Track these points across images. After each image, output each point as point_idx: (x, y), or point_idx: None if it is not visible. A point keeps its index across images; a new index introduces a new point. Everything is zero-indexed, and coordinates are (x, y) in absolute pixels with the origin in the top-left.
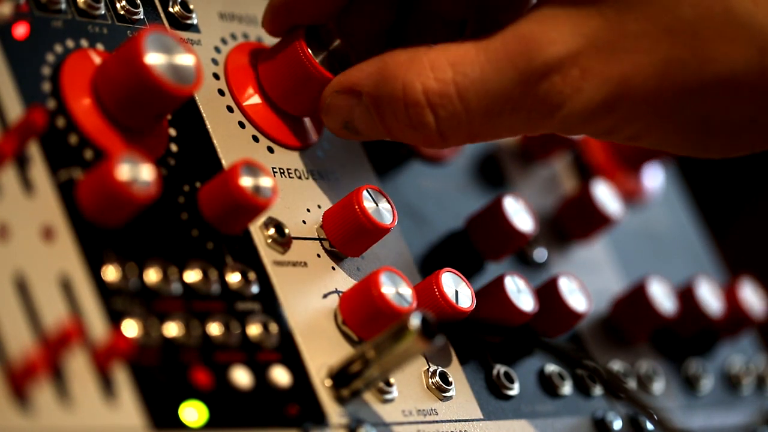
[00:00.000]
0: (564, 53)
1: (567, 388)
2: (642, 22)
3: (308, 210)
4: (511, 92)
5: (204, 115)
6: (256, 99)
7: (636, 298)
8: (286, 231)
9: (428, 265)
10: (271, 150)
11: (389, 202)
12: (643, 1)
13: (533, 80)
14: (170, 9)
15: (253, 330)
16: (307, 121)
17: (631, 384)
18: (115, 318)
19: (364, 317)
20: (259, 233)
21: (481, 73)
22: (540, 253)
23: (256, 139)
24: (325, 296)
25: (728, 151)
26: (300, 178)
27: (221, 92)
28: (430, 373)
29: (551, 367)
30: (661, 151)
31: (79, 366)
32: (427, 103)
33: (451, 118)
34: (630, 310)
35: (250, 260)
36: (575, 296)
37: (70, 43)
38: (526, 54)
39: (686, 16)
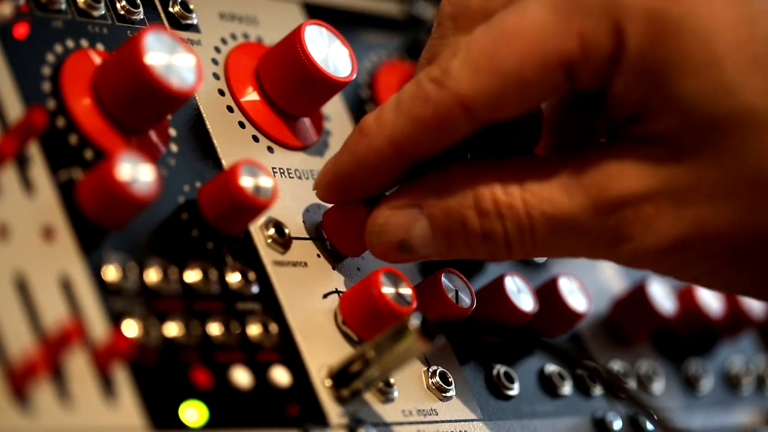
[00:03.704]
0: (639, 190)
1: (567, 388)
2: (722, 171)
3: (308, 210)
4: (579, 219)
5: (204, 115)
6: (256, 99)
7: (636, 298)
8: (286, 231)
9: (428, 265)
10: (271, 150)
11: None
12: (724, 151)
13: (605, 211)
14: (170, 9)
15: (253, 330)
16: (307, 121)
17: (631, 384)
18: (115, 318)
19: (364, 317)
20: (259, 233)
21: (550, 194)
22: None
23: (256, 139)
24: (325, 296)
25: None
26: (300, 178)
27: (221, 92)
28: (430, 373)
29: (551, 367)
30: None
31: (79, 366)
32: (496, 213)
33: (517, 231)
34: (630, 310)
35: (250, 260)
36: (575, 296)
37: (70, 43)
38: (599, 185)
39: None
